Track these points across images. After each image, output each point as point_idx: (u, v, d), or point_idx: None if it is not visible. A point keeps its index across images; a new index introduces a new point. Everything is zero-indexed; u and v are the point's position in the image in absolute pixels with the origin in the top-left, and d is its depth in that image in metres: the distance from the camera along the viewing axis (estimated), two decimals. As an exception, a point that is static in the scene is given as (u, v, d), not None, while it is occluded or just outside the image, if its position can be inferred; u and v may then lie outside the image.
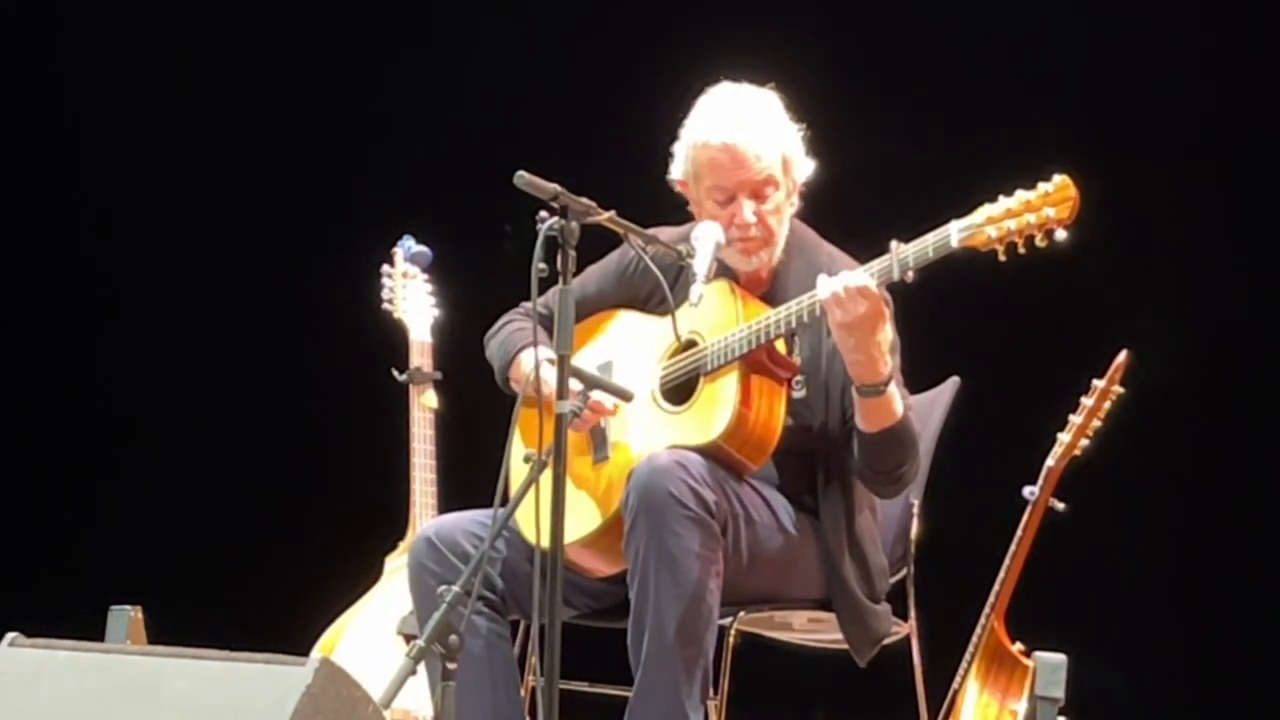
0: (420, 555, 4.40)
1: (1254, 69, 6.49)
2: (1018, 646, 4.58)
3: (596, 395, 4.28)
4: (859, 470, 4.33)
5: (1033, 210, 4.05)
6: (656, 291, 4.45)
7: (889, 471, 4.30)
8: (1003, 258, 4.09)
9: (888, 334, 4.17)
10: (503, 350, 4.58)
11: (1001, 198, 4.10)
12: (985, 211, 4.10)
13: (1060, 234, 4.05)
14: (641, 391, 4.35)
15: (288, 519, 7.35)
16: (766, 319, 4.29)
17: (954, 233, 4.10)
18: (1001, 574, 4.57)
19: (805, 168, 4.44)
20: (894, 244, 4.13)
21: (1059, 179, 4.08)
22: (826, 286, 4.13)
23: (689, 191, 4.46)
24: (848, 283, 4.11)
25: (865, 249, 4.24)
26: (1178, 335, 6.42)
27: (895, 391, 4.22)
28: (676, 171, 4.46)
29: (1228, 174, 6.61)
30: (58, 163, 7.71)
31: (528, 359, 4.38)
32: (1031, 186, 4.09)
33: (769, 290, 4.42)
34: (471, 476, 4.60)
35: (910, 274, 4.11)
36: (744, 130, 4.35)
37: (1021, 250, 4.07)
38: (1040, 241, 4.06)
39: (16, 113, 7.64)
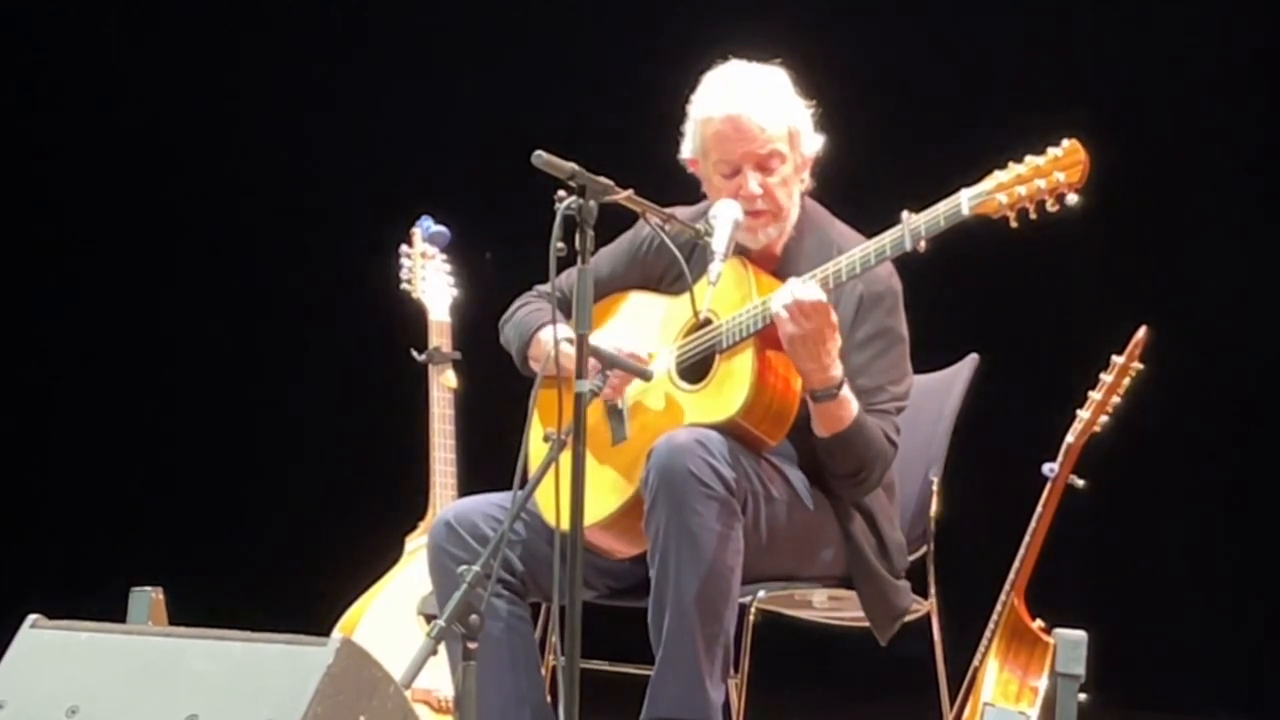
0: (439, 539, 4.40)
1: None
2: (1038, 623, 4.57)
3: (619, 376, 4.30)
4: (819, 469, 4.35)
5: (1043, 175, 4.07)
6: (670, 271, 4.45)
7: (847, 476, 4.32)
8: (1014, 224, 4.10)
9: (838, 341, 4.19)
10: (519, 331, 4.58)
11: (1011, 164, 4.11)
12: (996, 178, 4.11)
13: (1071, 198, 4.08)
14: (658, 371, 4.35)
15: (308, 500, 7.37)
16: (781, 295, 4.28)
17: (965, 201, 4.11)
18: (1021, 551, 4.56)
19: (813, 143, 4.43)
20: (905, 214, 4.14)
21: (1068, 143, 4.11)
22: (779, 300, 4.16)
23: (699, 169, 4.46)
24: (801, 298, 4.13)
25: (877, 220, 4.24)
26: (1198, 310, 6.41)
27: (848, 396, 4.24)
28: (686, 150, 4.47)
29: (1250, 147, 6.59)
30: (74, 151, 7.74)
31: (546, 336, 4.37)
32: (1041, 152, 4.10)
33: (780, 266, 4.41)
34: (491, 456, 4.60)
35: (923, 244, 4.12)
36: (749, 102, 4.35)
37: (1033, 216, 4.09)
38: (1051, 206, 4.08)
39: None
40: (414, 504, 5.35)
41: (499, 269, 5.36)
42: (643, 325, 4.49)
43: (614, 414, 4.41)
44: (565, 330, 4.19)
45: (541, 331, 4.48)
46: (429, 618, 4.74)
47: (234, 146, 7.58)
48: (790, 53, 4.48)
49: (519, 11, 7.36)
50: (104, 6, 7.67)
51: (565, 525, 3.81)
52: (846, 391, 4.23)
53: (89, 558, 7.24)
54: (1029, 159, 4.11)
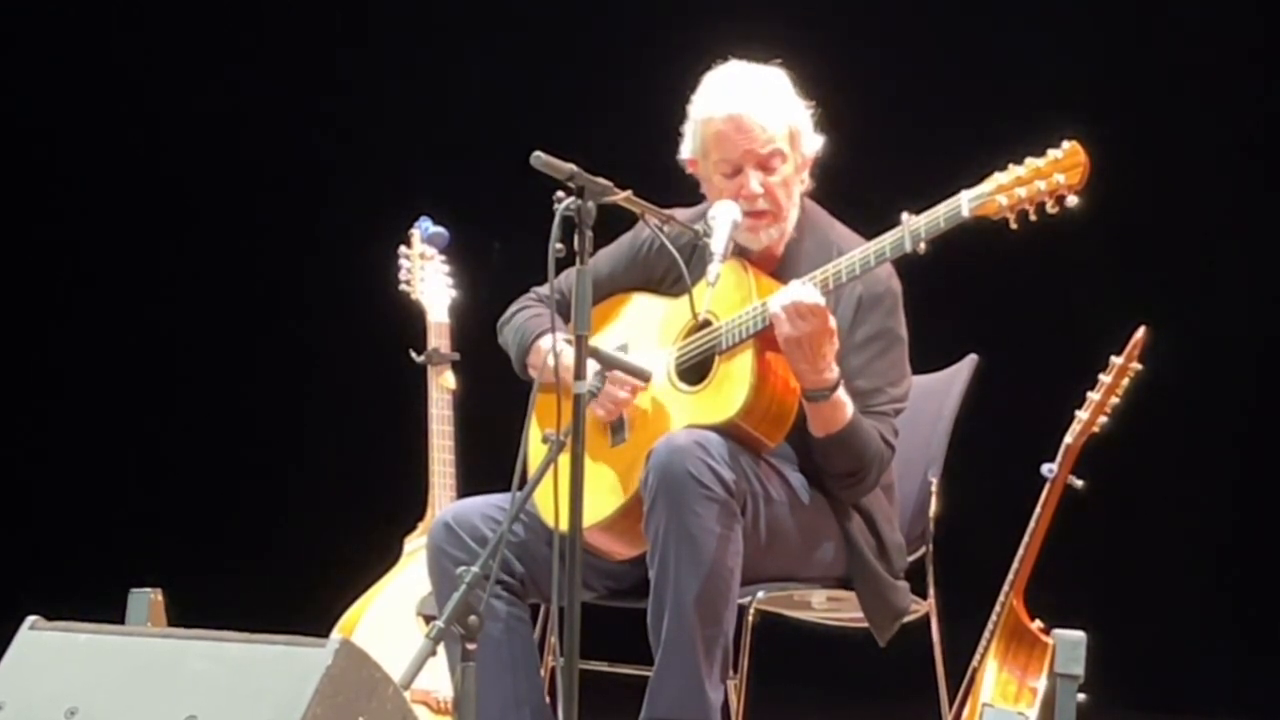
0: (438, 540, 4.40)
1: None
2: (1037, 624, 4.57)
3: (618, 377, 4.30)
4: (817, 470, 4.35)
5: (1043, 177, 4.08)
6: (671, 272, 4.45)
7: (843, 476, 4.33)
8: (1014, 226, 4.10)
9: (835, 345, 4.19)
10: (519, 336, 4.58)
11: (1011, 166, 4.12)
12: (996, 180, 4.11)
13: (1071, 200, 4.08)
14: (658, 372, 4.35)
15: (307, 501, 7.37)
16: (780, 296, 4.28)
17: (965, 202, 4.11)
18: (1020, 552, 4.55)
19: (814, 143, 4.43)
20: (905, 215, 4.15)
21: (1068, 145, 4.11)
22: (777, 301, 4.16)
23: (699, 170, 4.46)
24: (799, 300, 4.13)
25: (877, 221, 4.24)
26: (1198, 310, 6.41)
27: (843, 399, 4.24)
28: (686, 150, 4.47)
29: (1250, 147, 6.59)
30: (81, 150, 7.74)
31: (546, 345, 4.37)
32: (1041, 154, 4.10)
33: (780, 268, 4.41)
34: (490, 457, 4.61)
35: (922, 245, 4.13)
36: (750, 102, 4.35)
37: (1033, 218, 4.10)
38: (1052, 208, 4.09)
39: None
40: (413, 505, 5.36)
41: (499, 268, 5.36)
42: (643, 326, 4.49)
43: (613, 415, 4.41)
44: (565, 335, 4.18)
45: (541, 340, 4.47)
46: (428, 618, 4.73)
47: (233, 146, 7.58)
48: (790, 53, 4.48)
49: (519, 11, 7.36)
50: (103, 4, 7.67)
51: (564, 526, 3.81)
52: (841, 394, 4.23)
53: (88, 558, 7.24)
54: (1029, 161, 4.11)
